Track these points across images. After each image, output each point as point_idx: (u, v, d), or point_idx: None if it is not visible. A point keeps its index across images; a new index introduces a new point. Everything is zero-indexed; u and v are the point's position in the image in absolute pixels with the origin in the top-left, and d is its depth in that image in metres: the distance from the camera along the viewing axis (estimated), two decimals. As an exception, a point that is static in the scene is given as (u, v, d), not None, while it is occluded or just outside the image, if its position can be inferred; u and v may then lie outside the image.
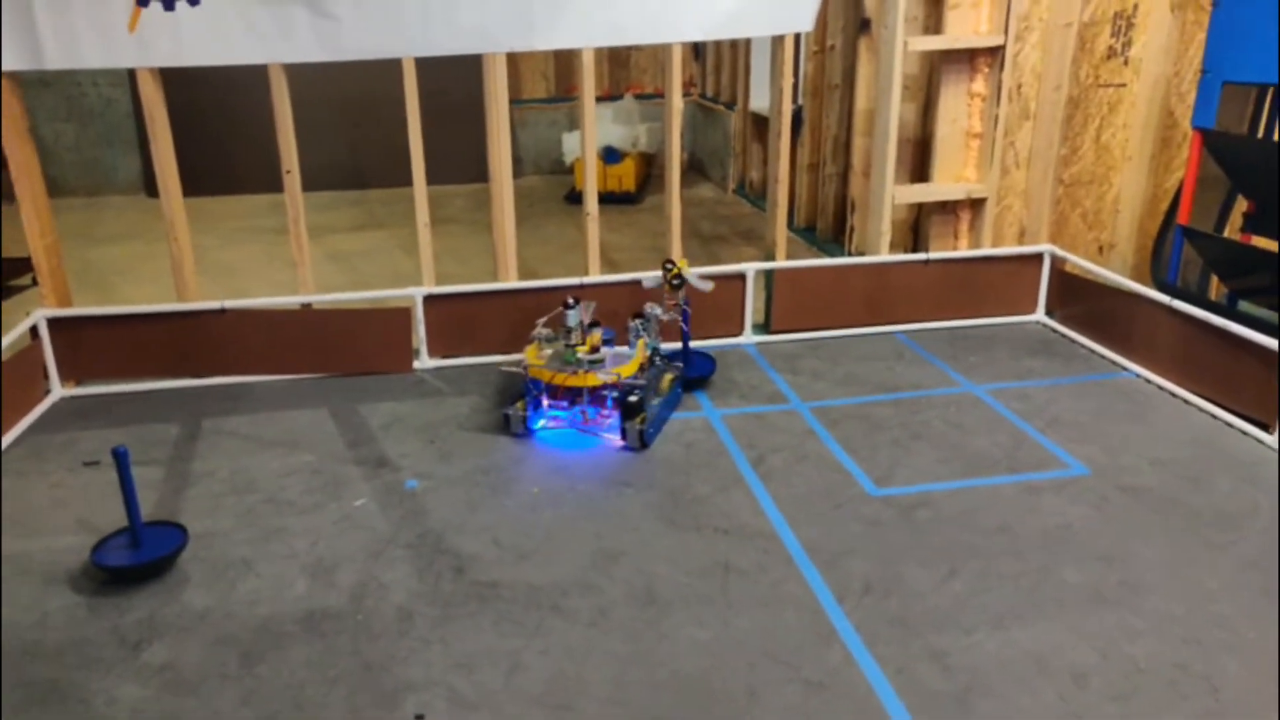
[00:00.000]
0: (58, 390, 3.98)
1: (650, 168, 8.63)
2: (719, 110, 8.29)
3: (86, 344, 4.02)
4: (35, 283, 5.58)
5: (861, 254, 5.14)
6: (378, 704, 2.24)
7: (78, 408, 3.92)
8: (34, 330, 3.92)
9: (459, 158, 7.00)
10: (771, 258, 4.64)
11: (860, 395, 3.93)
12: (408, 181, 4.18)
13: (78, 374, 4.06)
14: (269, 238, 6.58)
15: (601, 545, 2.89)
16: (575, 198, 7.74)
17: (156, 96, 3.88)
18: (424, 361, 4.24)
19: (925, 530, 2.95)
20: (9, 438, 3.60)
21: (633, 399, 3.46)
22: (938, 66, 4.86)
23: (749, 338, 4.53)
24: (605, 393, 3.57)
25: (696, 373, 4.04)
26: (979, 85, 4.81)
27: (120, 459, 2.69)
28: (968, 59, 4.77)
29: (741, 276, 4.46)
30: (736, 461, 3.39)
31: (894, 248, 4.86)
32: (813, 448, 3.49)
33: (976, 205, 4.94)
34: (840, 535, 2.93)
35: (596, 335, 3.61)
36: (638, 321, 3.76)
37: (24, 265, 5.56)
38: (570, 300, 3.67)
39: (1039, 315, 4.78)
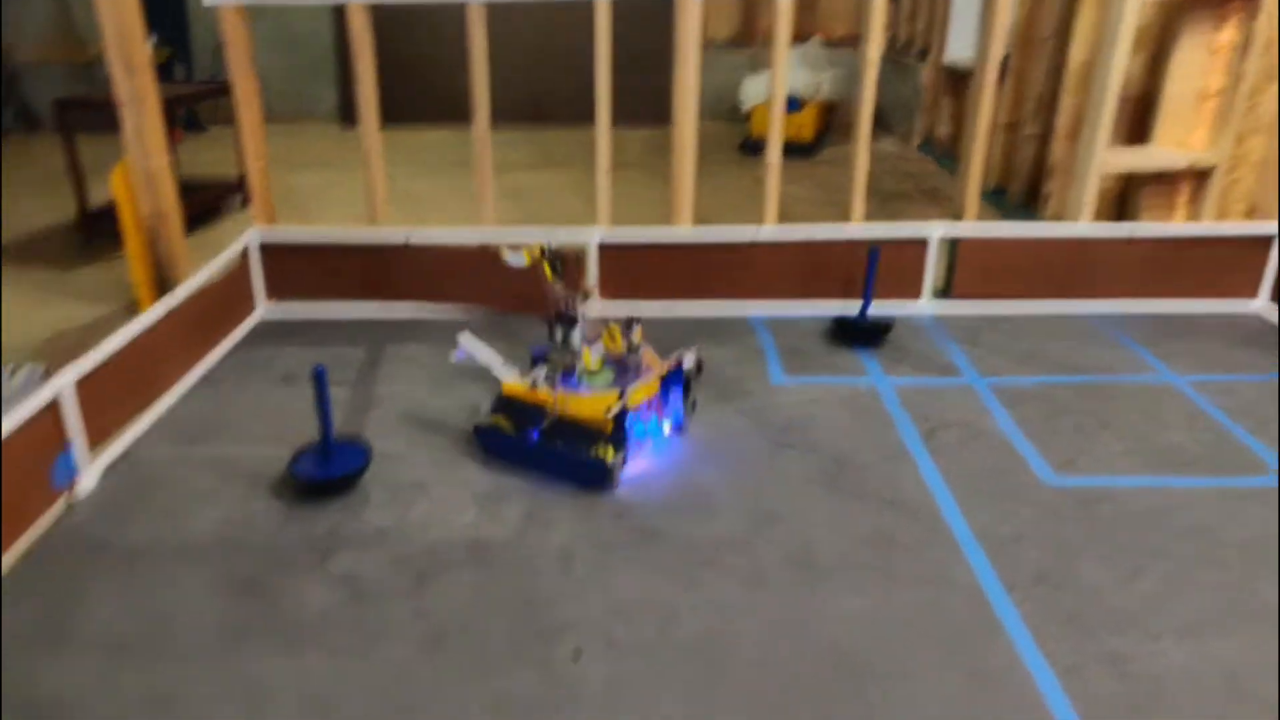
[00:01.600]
0: (263, 307, 4.29)
1: (830, 117, 8.34)
2: (909, 61, 7.89)
3: (289, 265, 4.30)
4: (245, 204, 6.03)
5: (1057, 222, 4.81)
6: (537, 639, 2.33)
7: (278, 326, 4.21)
8: (245, 249, 4.22)
9: (637, 100, 6.98)
10: (958, 220, 4.41)
11: (1043, 375, 3.71)
12: (587, 120, 4.19)
13: (281, 293, 4.35)
14: (454, 170, 6.82)
15: (760, 505, 2.87)
16: (749, 147, 7.59)
17: (365, 30, 4.04)
18: (594, 305, 4.30)
19: (1107, 525, 2.77)
20: (221, 350, 3.91)
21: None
22: (1175, 15, 4.41)
23: (927, 304, 4.35)
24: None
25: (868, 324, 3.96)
26: (1225, 35, 4.32)
27: (319, 378, 2.88)
28: (1216, 6, 4.30)
29: (924, 238, 4.27)
30: (904, 433, 3.28)
31: (1097, 218, 4.51)
32: (988, 426, 3.33)
33: (1201, 176, 4.50)
34: (1012, 521, 2.79)
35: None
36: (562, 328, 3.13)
37: (236, 186, 6.01)
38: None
39: (1261, 303, 4.34)
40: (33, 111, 8.52)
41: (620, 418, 2.91)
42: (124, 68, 3.88)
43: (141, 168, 4.04)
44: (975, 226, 4.37)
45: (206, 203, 5.72)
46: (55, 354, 3.88)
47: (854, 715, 2.10)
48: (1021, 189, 5.84)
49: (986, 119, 4.32)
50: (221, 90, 6.05)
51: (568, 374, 3.05)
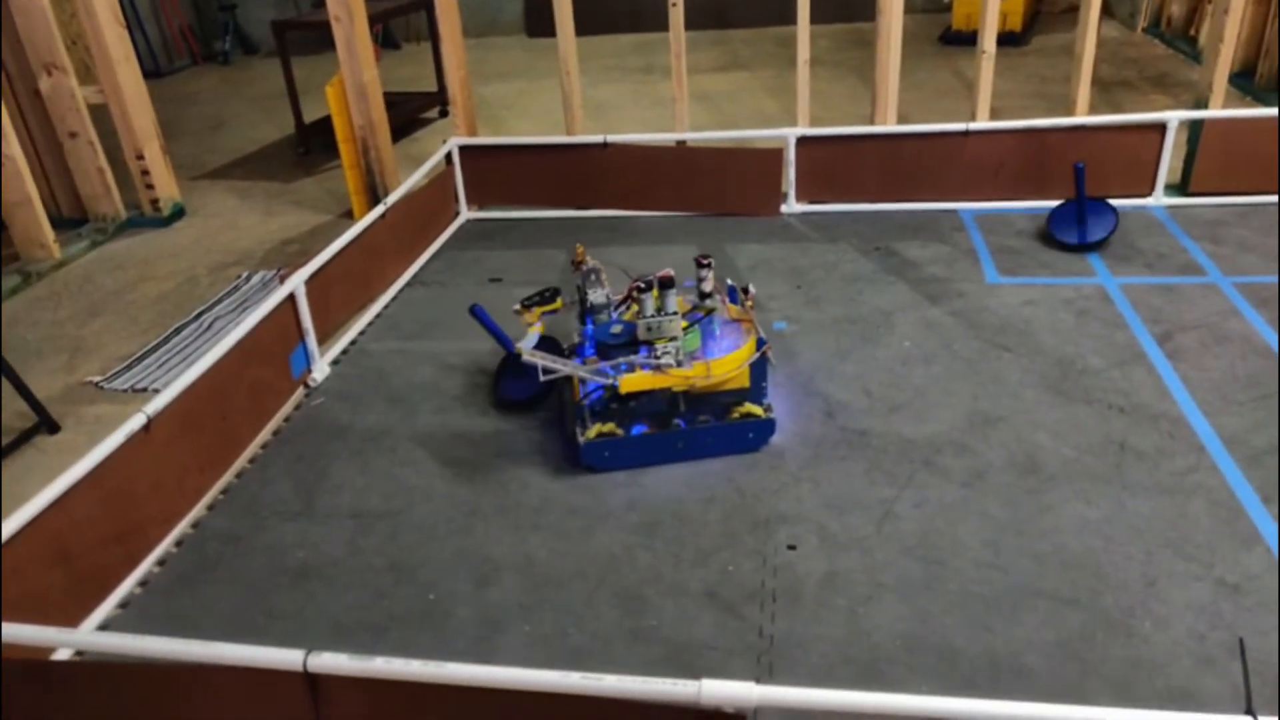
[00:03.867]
0: (465, 212, 4.44)
1: (1040, 4, 7.67)
2: (1135, -67, 7.09)
3: (489, 171, 4.41)
4: (442, 115, 6.21)
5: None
6: (751, 530, 2.34)
7: (481, 229, 4.35)
8: (448, 157, 4.36)
9: (826, -5, 6.65)
10: (1204, 105, 3.97)
11: (1302, 273, 3.33)
12: (768, 21, 4.03)
13: (481, 198, 4.49)
14: (635, 77, 6.75)
15: (978, 407, 2.74)
16: (952, 38, 7.09)
17: (558, -68, 4.00)
18: (791, 206, 4.19)
19: (1384, 437, 2.48)
20: (429, 252, 4.09)
21: None
22: None
23: (1160, 199, 3.96)
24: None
25: (1094, 236, 3.62)
26: None
27: (477, 315, 2.91)
28: None
29: (1160, 127, 3.87)
30: (1138, 335, 3.03)
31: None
32: (1235, 328, 3.03)
33: None
34: (1269, 430, 2.54)
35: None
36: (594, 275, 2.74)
37: (432, 99, 6.19)
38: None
39: None
40: (249, 37, 9.07)
41: (759, 369, 2.59)
42: (335, -18, 4.02)
43: (353, 80, 4.22)
44: (1221, 111, 3.92)
45: (408, 115, 5.93)
46: (285, 258, 4.18)
47: (1091, 618, 2.00)
48: (1273, 70, 5.17)
49: (1240, -14, 3.82)
50: (418, 5, 6.21)
51: (668, 342, 2.52)
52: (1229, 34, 3.85)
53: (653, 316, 2.52)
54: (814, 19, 4.03)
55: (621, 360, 2.52)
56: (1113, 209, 3.69)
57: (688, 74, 4.22)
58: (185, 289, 3.99)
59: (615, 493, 2.51)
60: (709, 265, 2.62)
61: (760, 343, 2.58)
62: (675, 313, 2.53)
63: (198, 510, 2.56)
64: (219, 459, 2.69)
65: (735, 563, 2.24)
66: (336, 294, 3.37)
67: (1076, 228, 3.66)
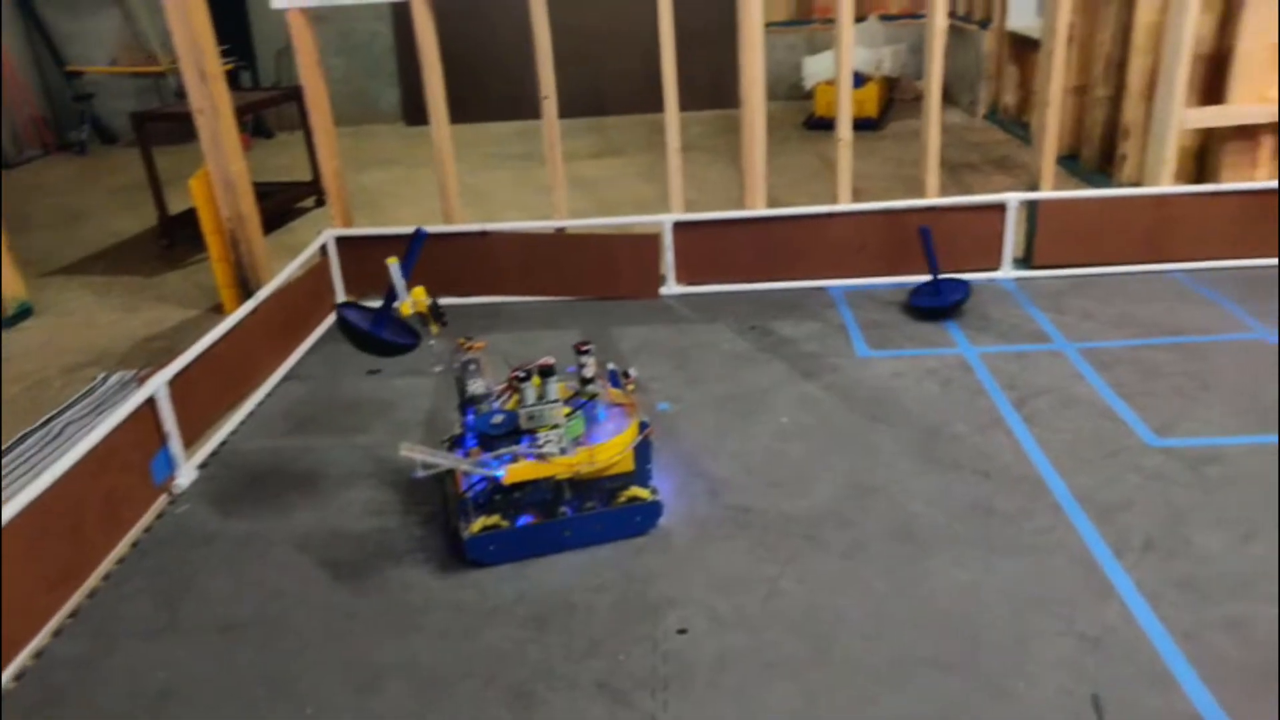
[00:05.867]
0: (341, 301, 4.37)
1: (893, 93, 8.22)
2: (971, 30, 7.72)
3: (366, 262, 4.36)
4: (318, 205, 6.14)
5: (1135, 184, 4.67)
6: (641, 616, 2.33)
7: (358, 320, 4.27)
8: (323, 248, 4.30)
9: (696, 84, 6.94)
10: (1035, 187, 4.31)
11: (1136, 338, 3.60)
12: (644, 108, 4.20)
13: (360, 288, 4.43)
14: (515, 164, 6.86)
15: (855, 479, 2.84)
16: (814, 124, 7.50)
17: (428, 28, 4.08)
18: (671, 288, 4.30)
19: (1217, 488, 2.68)
20: (305, 345, 3.99)
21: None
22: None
23: (1007, 272, 4.25)
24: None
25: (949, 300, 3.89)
26: (1298, -11, 4.17)
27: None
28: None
29: (1001, 206, 4.18)
30: (997, 402, 3.21)
31: (1176, 178, 4.37)
32: (1082, 391, 3.25)
33: (1285, 129, 4.34)
34: (1116, 486, 2.72)
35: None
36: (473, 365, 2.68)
37: (307, 189, 6.12)
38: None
39: (1356, 256, 4.17)
40: (109, 127, 8.79)
41: (643, 452, 2.61)
42: (198, 77, 3.97)
43: (220, 173, 4.14)
44: (1054, 192, 4.26)
45: (283, 205, 5.84)
46: (149, 357, 4.00)
47: (969, 683, 2.07)
48: (1095, 153, 5.67)
49: (1058, 84, 4.22)
50: (289, 96, 6.18)
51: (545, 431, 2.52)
52: (1051, 124, 4.22)
53: (534, 405, 2.52)
54: (687, 106, 4.21)
55: (504, 451, 2.50)
56: (965, 283, 3.95)
57: (566, 161, 4.32)
58: (33, 393, 3.77)
59: (502, 586, 2.47)
60: (589, 351, 2.65)
61: (643, 426, 2.61)
62: (557, 400, 2.53)
63: (41, 638, 2.38)
64: (68, 578, 2.51)
65: (626, 650, 2.23)
66: (204, 392, 3.25)
67: (931, 296, 3.95)
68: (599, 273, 4.27)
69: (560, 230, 4.32)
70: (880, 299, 4.11)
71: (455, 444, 2.68)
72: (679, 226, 4.21)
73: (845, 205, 4.23)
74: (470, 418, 2.66)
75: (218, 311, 4.39)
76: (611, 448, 2.55)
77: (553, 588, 2.45)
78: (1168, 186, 4.27)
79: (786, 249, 4.25)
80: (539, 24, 4.02)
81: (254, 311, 3.62)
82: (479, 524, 2.50)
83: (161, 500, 2.93)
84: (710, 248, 4.26)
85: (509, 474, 2.47)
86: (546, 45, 4.07)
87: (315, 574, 2.56)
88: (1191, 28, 4.08)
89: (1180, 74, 4.16)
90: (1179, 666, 2.08)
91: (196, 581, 2.56)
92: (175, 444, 3.00)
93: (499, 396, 2.72)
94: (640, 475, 2.63)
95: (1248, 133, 4.49)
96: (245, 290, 4.22)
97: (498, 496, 2.51)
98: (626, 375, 2.77)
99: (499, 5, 4.14)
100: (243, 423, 3.41)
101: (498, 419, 2.59)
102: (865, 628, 2.26)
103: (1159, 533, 2.51)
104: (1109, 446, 2.92)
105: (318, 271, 4.27)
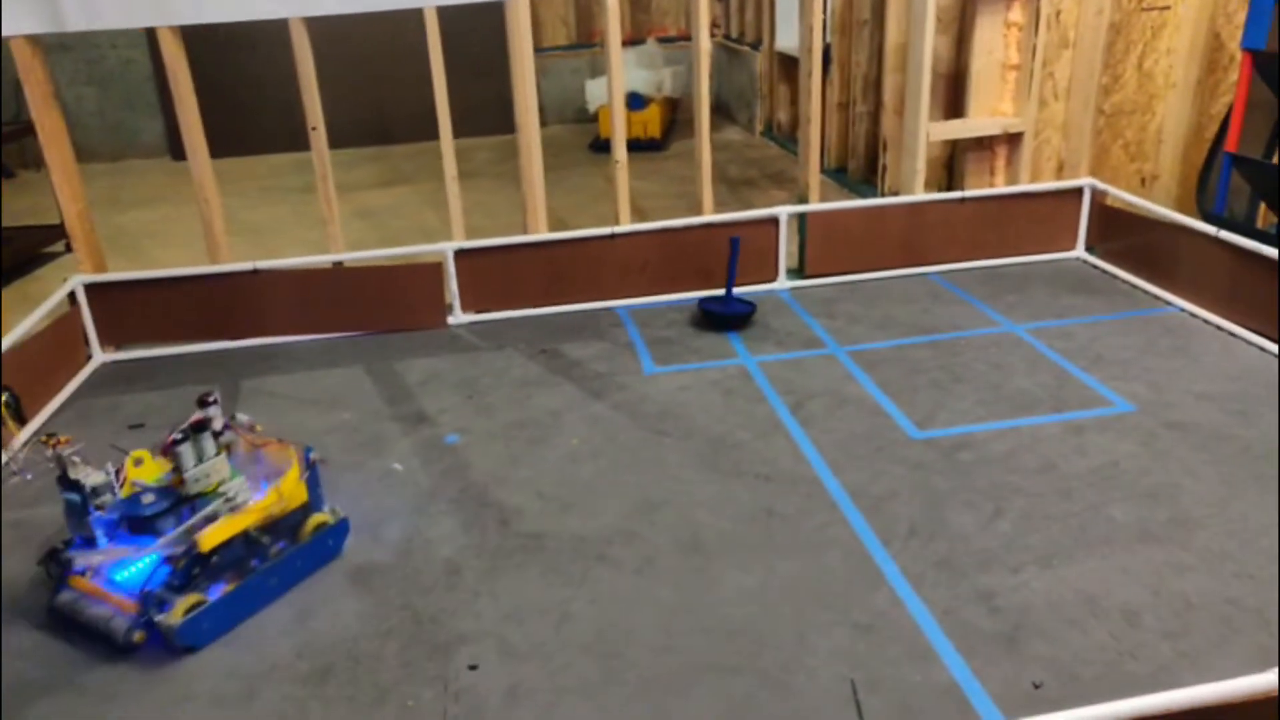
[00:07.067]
0: (99, 355, 4.03)
1: (675, 113, 8.49)
2: (744, 51, 8.11)
3: (124, 308, 4.05)
4: (68, 249, 5.63)
5: (895, 194, 5.04)
6: (431, 656, 2.27)
7: (119, 372, 3.96)
8: (72, 296, 3.95)
9: (482, 110, 6.92)
10: (804, 200, 4.57)
11: (898, 338, 3.88)
12: (430, 136, 4.14)
13: (117, 339, 4.10)
14: (294, 197, 6.57)
15: (644, 494, 2.89)
16: (600, 146, 7.64)
17: (179, 56, 3.85)
18: (458, 316, 4.24)
19: (969, 472, 2.92)
20: (56, 402, 3.65)
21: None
22: (971, -2, 4.71)
23: (784, 283, 4.48)
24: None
25: (734, 311, 4.08)
26: (1015, 14, 4.66)
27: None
28: (1003, -12, 4.62)
29: (774, 220, 4.40)
30: (775, 408, 3.37)
31: (928, 186, 4.77)
32: (852, 392, 3.46)
33: (1013, 140, 4.82)
34: (883, 479, 2.91)
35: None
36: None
37: (56, 232, 5.61)
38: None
39: (1079, 251, 4.68)
40: None
41: (312, 479, 2.60)
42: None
43: (-56, 219, 3.73)
44: (819, 204, 4.54)
45: (25, 251, 5.32)
46: None
47: (752, 684, 2.14)
48: (861, 165, 6.10)
49: (816, 102, 4.50)
50: (25, 131, 5.65)
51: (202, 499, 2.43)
52: (813, 139, 4.50)
53: (197, 466, 2.40)
54: (474, 132, 4.20)
55: (199, 517, 2.36)
56: (750, 303, 4.16)
57: (351, 191, 4.19)
58: None
59: (279, 642, 2.34)
60: (215, 402, 2.51)
61: (307, 451, 2.60)
62: (218, 454, 2.45)
63: None
64: None
65: (416, 695, 2.16)
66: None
67: (720, 304, 4.14)
68: (381, 305, 4.15)
69: (338, 264, 4.17)
70: (666, 316, 4.23)
71: (67, 548, 2.44)
72: (461, 254, 4.16)
73: (626, 226, 4.32)
74: (95, 514, 2.39)
75: (-50, 373, 3.93)
76: (291, 481, 2.53)
77: (337, 638, 2.35)
78: (921, 194, 4.64)
79: (572, 271, 4.29)
80: (301, 51, 3.88)
81: (-11, 371, 3.27)
82: (183, 606, 2.30)
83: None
84: (496, 274, 4.24)
85: (205, 540, 2.34)
86: (310, 73, 3.93)
87: (64, 658, 2.32)
88: (929, 48, 4.47)
89: (924, 90, 4.54)
90: (939, 641, 2.24)
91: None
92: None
93: (122, 482, 2.47)
94: (316, 501, 2.63)
95: (984, 143, 4.95)
96: (-19, 347, 3.80)
97: (195, 570, 2.36)
98: (234, 418, 2.62)
99: (274, 34, 3.95)
100: (-19, 496, 3.07)
101: (148, 497, 2.41)
102: (655, 641, 2.29)
103: (920, 518, 2.71)
104: (877, 442, 3.12)
105: (67, 322, 3.91)
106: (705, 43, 4.28)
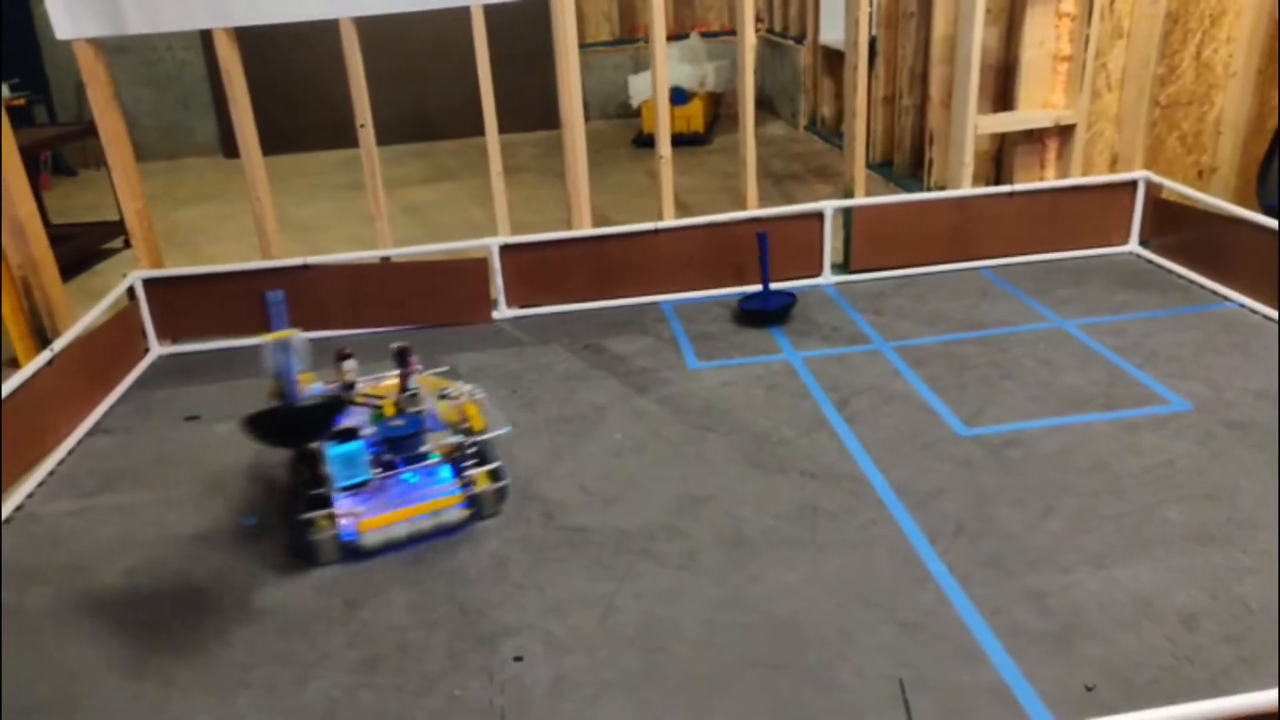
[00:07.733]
0: (156, 348, 4.13)
1: (718, 107, 8.47)
2: (788, 45, 8.06)
3: (180, 303, 4.15)
4: (127, 245, 5.79)
5: (942, 188, 4.98)
6: (476, 647, 2.30)
7: (175, 365, 4.06)
8: (131, 291, 4.05)
9: (525, 105, 6.96)
10: (850, 195, 4.53)
11: (946, 334, 3.83)
12: (474, 132, 4.17)
13: (173, 332, 4.20)
14: (341, 194, 6.67)
15: (687, 489, 2.89)
16: (643, 141, 7.65)
17: (234, 57, 3.92)
18: (502, 311, 4.27)
19: (1018, 470, 2.88)
20: (115, 394, 3.75)
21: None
22: (1022, -13, 4.62)
23: (828, 278, 4.44)
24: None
25: (772, 306, 4.06)
26: (1067, 4, 4.56)
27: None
28: (1056, -23, 4.52)
29: (819, 215, 4.36)
30: (820, 404, 3.35)
31: (976, 180, 4.69)
32: (899, 388, 3.42)
33: (1065, 133, 4.72)
34: (930, 476, 2.88)
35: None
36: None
37: (114, 229, 5.77)
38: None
39: (1132, 246, 4.57)
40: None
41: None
42: (-23, 113, 3.68)
43: (7, 218, 3.84)
44: (864, 199, 4.49)
45: (87, 247, 5.47)
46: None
47: (796, 681, 2.14)
48: (906, 159, 6.03)
49: (862, 96, 4.45)
50: (87, 131, 5.80)
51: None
52: (859, 133, 4.45)
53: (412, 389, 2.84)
54: (517, 128, 4.22)
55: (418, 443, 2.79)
56: (791, 293, 4.12)
57: (396, 188, 4.24)
58: None
59: (332, 632, 2.38)
60: (352, 355, 2.96)
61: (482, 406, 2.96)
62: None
63: None
64: None
65: (462, 685, 2.19)
66: (-3, 454, 3.00)
67: (760, 301, 4.10)
68: (428, 300, 4.20)
69: (385, 259, 4.23)
70: (710, 311, 4.22)
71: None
72: (506, 249, 4.20)
73: (670, 221, 4.32)
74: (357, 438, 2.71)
75: (14, 365, 4.06)
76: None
77: (386, 628, 2.38)
78: (968, 189, 4.57)
79: (616, 267, 4.30)
80: (350, 50, 3.94)
81: (50, 363, 3.37)
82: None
83: (-52, 577, 2.68)
84: (540, 269, 4.26)
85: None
86: (359, 72, 3.98)
87: (126, 642, 2.39)
88: (979, 40, 4.40)
89: (972, 83, 4.47)
90: (987, 641, 2.21)
91: (-12, 664, 2.35)
92: (-38, 514, 2.75)
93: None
94: (484, 455, 2.90)
95: (1034, 136, 4.86)
96: (42, 340, 3.92)
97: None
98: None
99: (320, 32, 4.01)
100: (42, 483, 3.17)
101: (398, 422, 2.78)
102: (699, 636, 2.29)
103: (968, 516, 2.67)
104: (924, 439, 3.09)
105: (126, 316, 4.01)
106: (750, 37, 4.26)
